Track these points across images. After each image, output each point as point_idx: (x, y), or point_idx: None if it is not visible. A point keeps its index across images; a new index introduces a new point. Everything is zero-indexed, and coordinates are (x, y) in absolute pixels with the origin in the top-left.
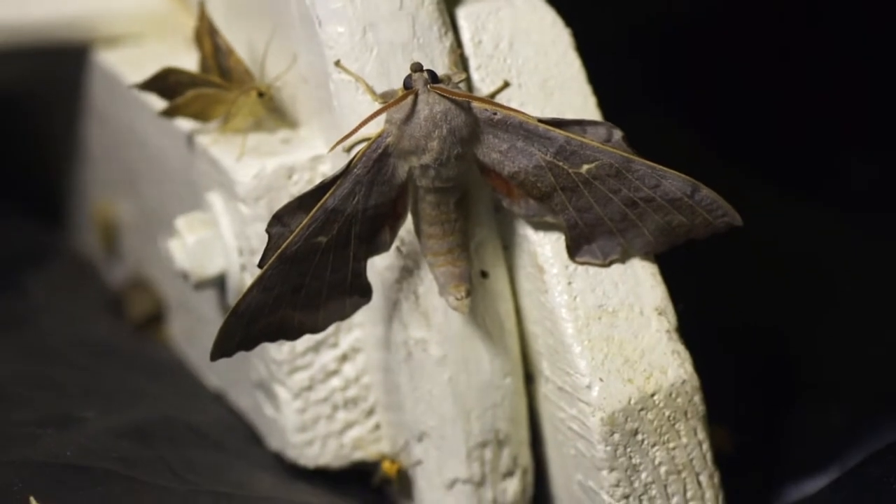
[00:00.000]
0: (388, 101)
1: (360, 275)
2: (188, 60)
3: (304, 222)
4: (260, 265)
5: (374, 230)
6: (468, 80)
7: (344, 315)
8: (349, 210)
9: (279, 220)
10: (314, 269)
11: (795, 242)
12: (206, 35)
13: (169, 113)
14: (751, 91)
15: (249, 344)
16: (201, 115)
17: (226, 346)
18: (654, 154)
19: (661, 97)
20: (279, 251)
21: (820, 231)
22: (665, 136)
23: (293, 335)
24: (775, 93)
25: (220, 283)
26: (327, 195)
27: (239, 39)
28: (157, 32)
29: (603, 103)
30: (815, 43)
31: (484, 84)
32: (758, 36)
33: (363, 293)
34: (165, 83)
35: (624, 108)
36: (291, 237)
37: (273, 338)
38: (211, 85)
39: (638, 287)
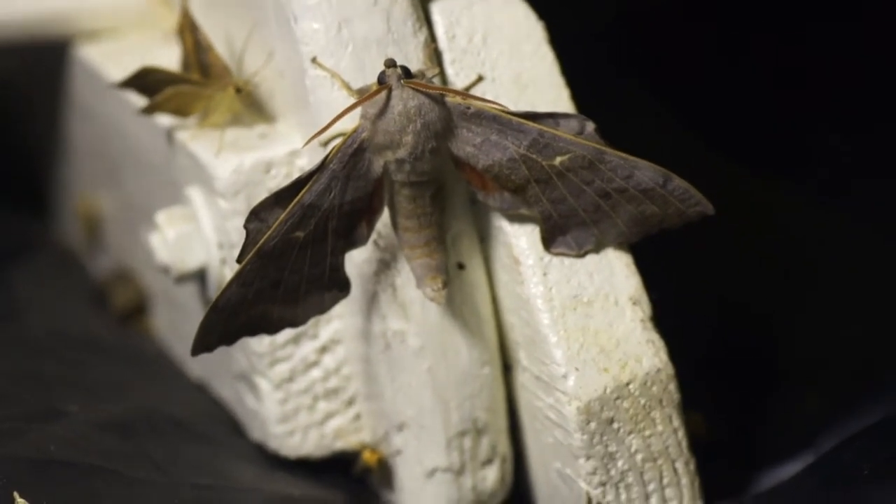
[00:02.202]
0: (363, 96)
1: (338, 269)
2: (167, 54)
3: (282, 218)
4: (238, 260)
5: (351, 225)
6: (442, 75)
7: (323, 309)
8: (326, 205)
9: (256, 216)
10: (292, 263)
11: (770, 228)
12: (188, 31)
13: (148, 110)
14: (726, 77)
15: (230, 338)
16: (180, 112)
17: (206, 340)
18: (628, 144)
19: (635, 88)
20: (257, 247)
21: (795, 217)
22: (639, 127)
23: (273, 329)
24: (753, 78)
25: (200, 276)
26: (303, 191)
27: (216, 33)
28: (136, 26)
29: (576, 96)
30: (793, 25)
31: (458, 78)
32: (735, 22)
33: (341, 287)
34: (144, 81)
35: (597, 101)
36: (269, 232)
37: (253, 332)
38: (188, 82)
39: (613, 277)
